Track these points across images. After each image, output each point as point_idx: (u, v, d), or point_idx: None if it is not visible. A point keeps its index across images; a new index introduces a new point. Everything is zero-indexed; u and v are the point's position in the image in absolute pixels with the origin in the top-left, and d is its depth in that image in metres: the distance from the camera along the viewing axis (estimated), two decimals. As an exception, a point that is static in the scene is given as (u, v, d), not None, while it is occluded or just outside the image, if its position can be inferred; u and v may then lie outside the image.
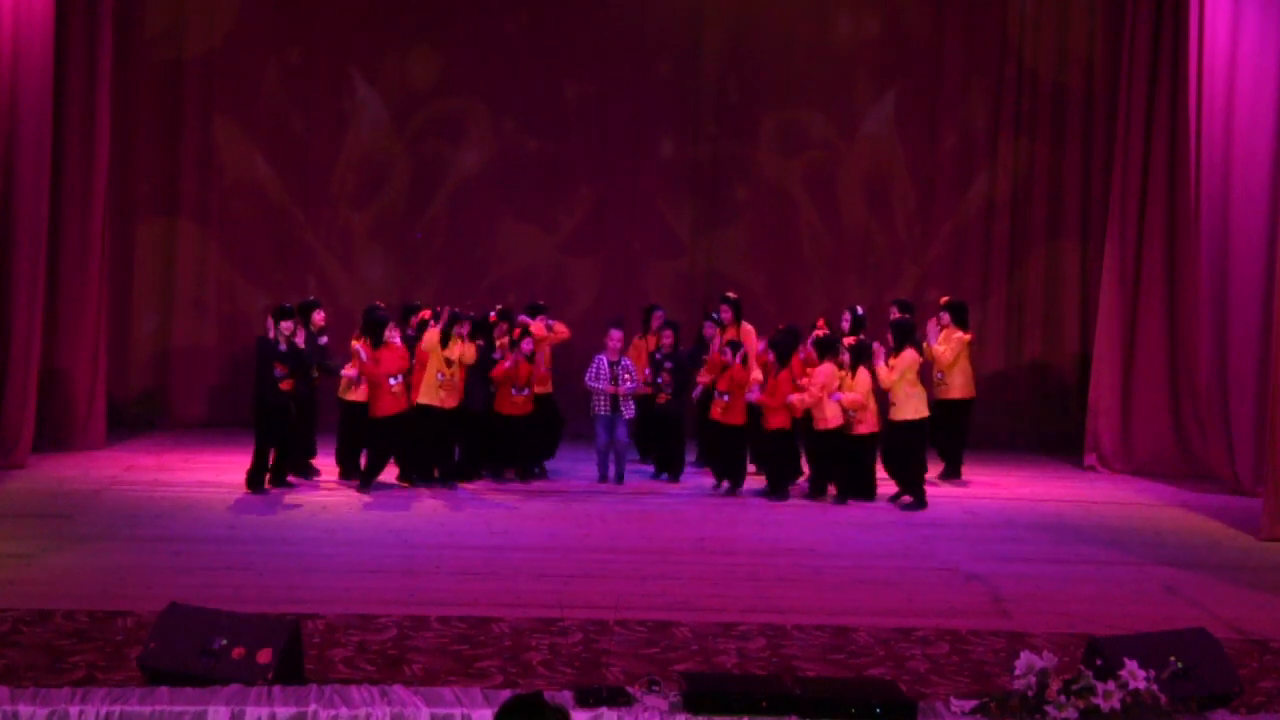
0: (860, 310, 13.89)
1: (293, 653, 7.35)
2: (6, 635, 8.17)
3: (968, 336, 13.83)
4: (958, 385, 13.83)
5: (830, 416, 12.72)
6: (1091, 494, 13.82)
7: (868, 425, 12.79)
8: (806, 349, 13.14)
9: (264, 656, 7.16)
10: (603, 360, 13.44)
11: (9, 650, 7.90)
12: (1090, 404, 15.13)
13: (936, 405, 13.46)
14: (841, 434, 12.78)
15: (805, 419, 12.93)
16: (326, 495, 12.66)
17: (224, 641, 7.20)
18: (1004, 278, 16.34)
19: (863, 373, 12.74)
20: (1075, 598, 9.93)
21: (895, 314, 13.74)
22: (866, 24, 16.52)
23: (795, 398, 12.75)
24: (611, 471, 13.51)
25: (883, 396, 12.98)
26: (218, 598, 8.49)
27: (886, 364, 12.76)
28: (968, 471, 14.14)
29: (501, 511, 12.26)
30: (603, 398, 13.40)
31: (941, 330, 13.84)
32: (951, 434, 14.02)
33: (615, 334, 13.50)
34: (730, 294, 14.32)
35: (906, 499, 12.84)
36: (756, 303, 15.60)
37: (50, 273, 14.05)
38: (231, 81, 16.08)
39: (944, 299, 14.24)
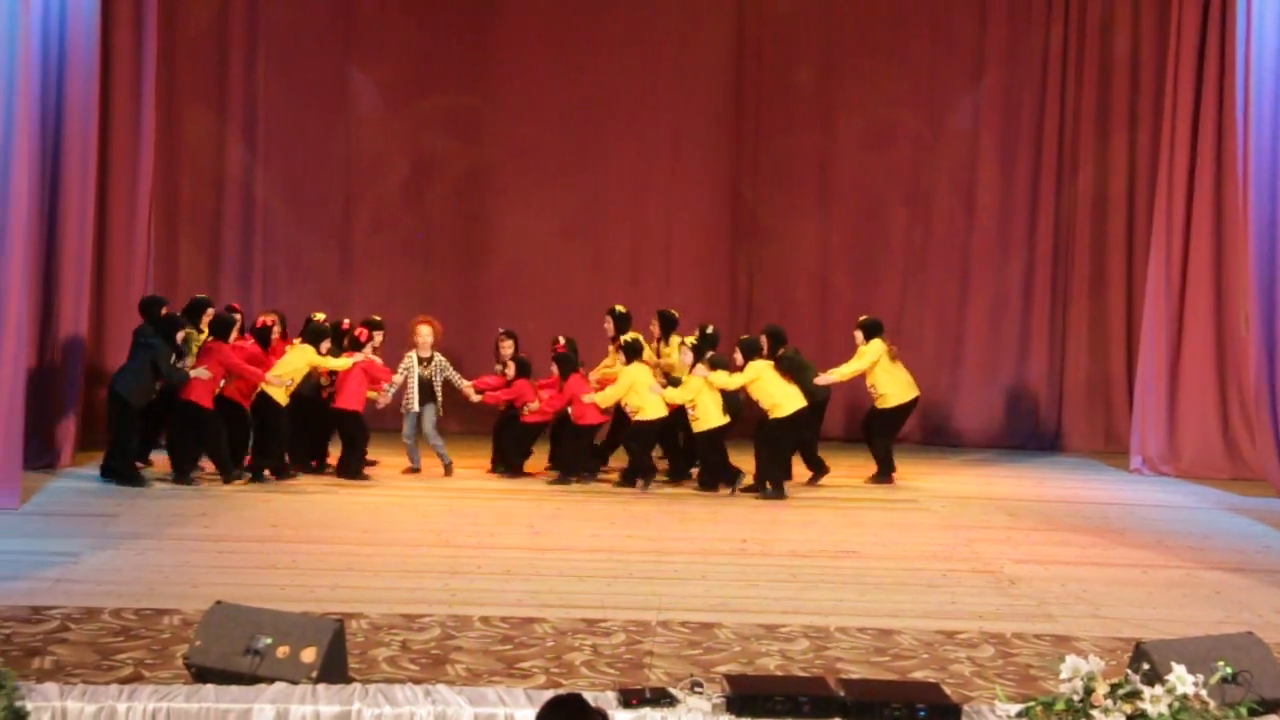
0: (711, 329, 13.99)
1: (337, 652, 7.38)
2: (55, 633, 8.25)
3: (871, 347, 13.84)
4: (891, 394, 13.92)
5: (635, 410, 13.42)
6: (1137, 497, 13.76)
7: (701, 423, 13.28)
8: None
9: (308, 655, 7.19)
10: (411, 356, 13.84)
11: (58, 647, 7.98)
12: (1136, 406, 15.06)
13: (876, 414, 13.99)
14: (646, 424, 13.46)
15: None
16: (369, 495, 12.73)
17: (268, 640, 7.23)
18: (1048, 280, 16.27)
19: (694, 375, 13.32)
20: (1121, 601, 9.88)
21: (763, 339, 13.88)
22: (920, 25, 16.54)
23: (599, 396, 13.54)
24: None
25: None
26: (262, 596, 8.55)
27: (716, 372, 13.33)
28: (1014, 472, 14.10)
29: (544, 512, 12.29)
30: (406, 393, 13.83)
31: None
32: (881, 437, 14.07)
33: (423, 329, 13.86)
34: (619, 306, 14.52)
35: (768, 486, 13.21)
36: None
37: (96, 274, 14.11)
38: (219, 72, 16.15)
39: (861, 317, 14.37)
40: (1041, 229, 16.28)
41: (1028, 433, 16.38)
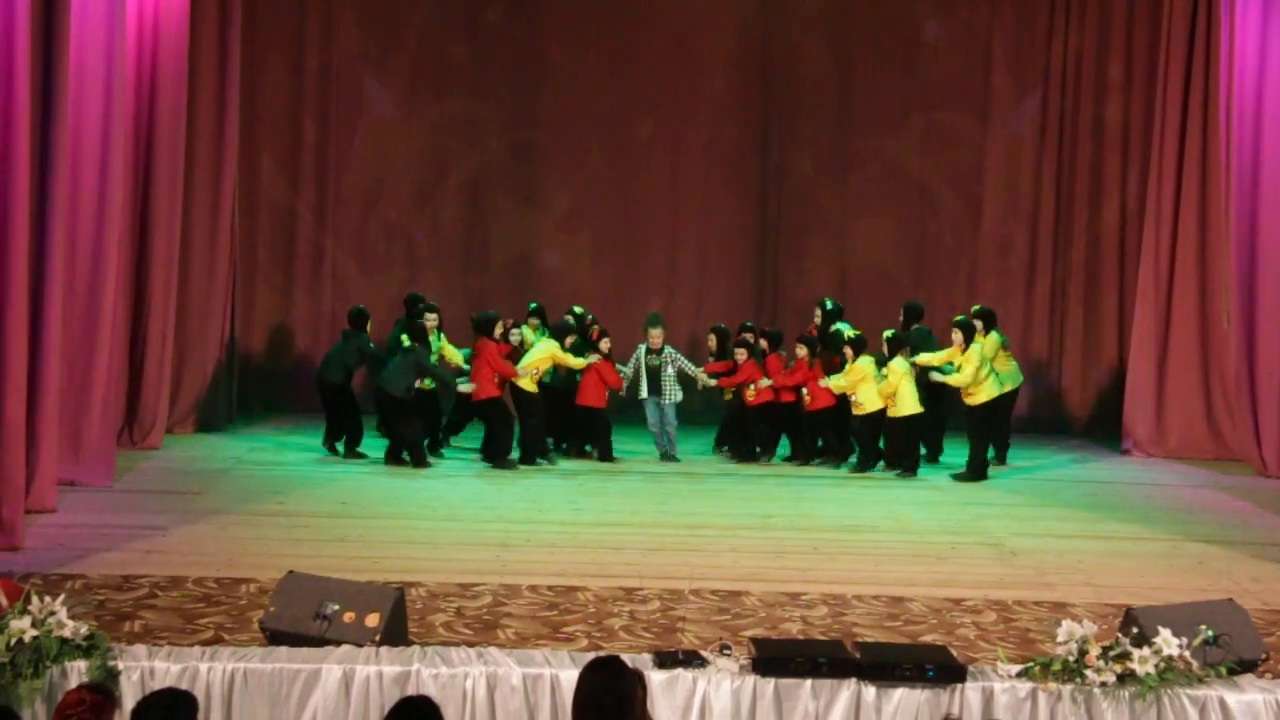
0: (829, 305, 14.20)
1: (398, 617, 7.39)
2: (144, 599, 8.28)
3: (989, 340, 13.37)
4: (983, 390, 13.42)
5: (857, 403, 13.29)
6: (1128, 476, 13.64)
7: (897, 409, 13.12)
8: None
9: (372, 620, 7.21)
10: (642, 348, 13.78)
11: (146, 613, 8.01)
12: (1127, 394, 14.95)
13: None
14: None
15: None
16: (428, 476, 12.71)
17: (336, 606, 7.25)
18: (1048, 276, 16.13)
19: (893, 365, 13.13)
20: (1114, 571, 9.82)
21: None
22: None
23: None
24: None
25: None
26: (330, 567, 8.55)
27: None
28: (1017, 455, 13.95)
29: (587, 490, 12.27)
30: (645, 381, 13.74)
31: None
32: (1000, 426, 13.78)
33: (654, 331, 13.76)
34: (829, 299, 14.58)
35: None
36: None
37: (181, 279, 14.07)
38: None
39: (974, 307, 14.10)
40: (1042, 244, 16.09)
41: (1030, 420, 16.25)
